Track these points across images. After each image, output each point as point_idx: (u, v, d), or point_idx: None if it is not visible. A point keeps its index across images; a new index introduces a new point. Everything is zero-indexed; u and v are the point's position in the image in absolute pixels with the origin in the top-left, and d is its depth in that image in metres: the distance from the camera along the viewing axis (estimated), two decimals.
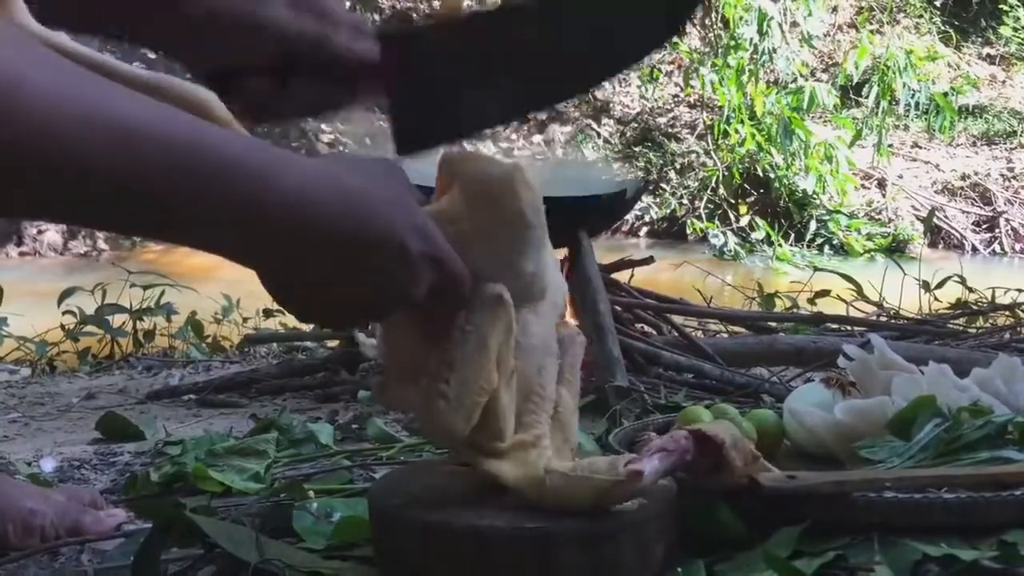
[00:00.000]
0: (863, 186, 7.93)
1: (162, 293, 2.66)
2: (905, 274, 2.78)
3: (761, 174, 7.53)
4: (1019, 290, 2.68)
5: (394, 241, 0.66)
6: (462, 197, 0.73)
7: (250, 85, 0.86)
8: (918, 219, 7.52)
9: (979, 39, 9.65)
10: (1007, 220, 7.68)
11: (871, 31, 8.55)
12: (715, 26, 8.28)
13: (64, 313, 2.51)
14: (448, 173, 0.75)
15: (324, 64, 0.87)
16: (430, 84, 0.89)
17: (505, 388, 0.74)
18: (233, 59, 0.85)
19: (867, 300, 2.63)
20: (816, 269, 3.21)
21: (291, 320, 2.87)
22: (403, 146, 0.93)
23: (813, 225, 7.37)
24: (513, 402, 0.75)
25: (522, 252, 0.74)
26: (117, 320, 2.55)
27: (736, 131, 7.52)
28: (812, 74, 8.55)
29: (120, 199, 0.57)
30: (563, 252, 1.76)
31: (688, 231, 7.47)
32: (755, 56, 7.46)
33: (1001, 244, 7.58)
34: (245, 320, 2.87)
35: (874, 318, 2.43)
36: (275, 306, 2.57)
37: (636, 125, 8.59)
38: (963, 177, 8.09)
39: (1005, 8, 9.37)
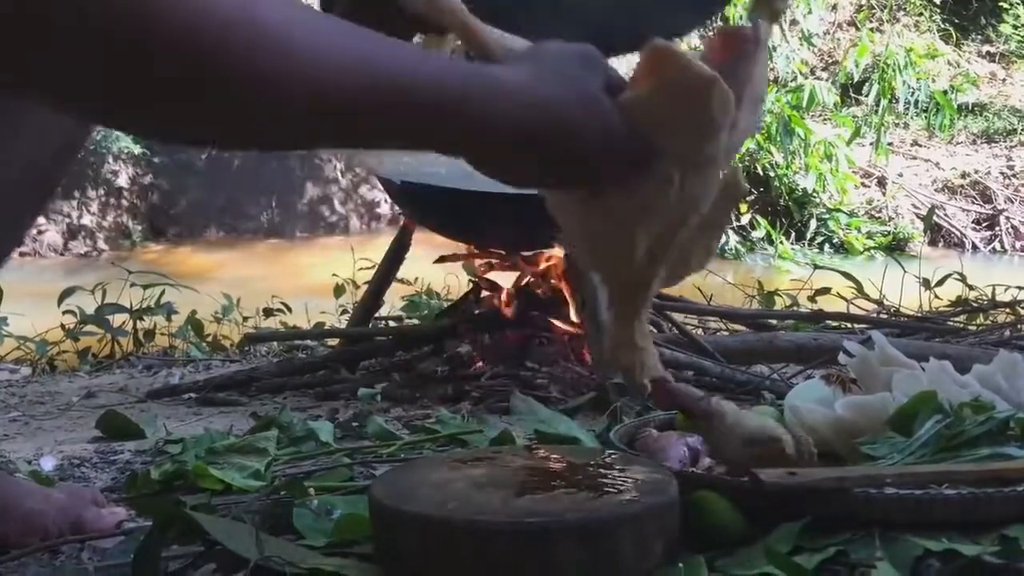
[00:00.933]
0: (863, 184, 7.93)
1: (162, 292, 2.66)
2: (905, 272, 2.78)
3: (761, 173, 7.53)
4: (1019, 287, 2.68)
5: (590, 165, 0.73)
6: (661, 91, 0.75)
7: None
8: (918, 217, 7.52)
9: (979, 37, 9.65)
10: (1007, 218, 7.68)
11: (871, 29, 8.56)
12: (715, 24, 8.27)
13: (64, 313, 2.51)
14: (651, 64, 0.76)
15: None
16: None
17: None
18: None
19: (867, 298, 2.63)
20: (816, 267, 3.21)
21: (291, 319, 2.88)
22: None
23: (813, 223, 7.37)
24: None
25: (707, 141, 0.77)
26: (117, 320, 2.55)
27: None
28: (812, 72, 8.55)
29: (361, 126, 0.65)
30: (561, 251, 1.76)
31: None
32: None
33: (1001, 242, 7.58)
34: (245, 319, 2.87)
35: (874, 316, 2.43)
36: (275, 305, 2.56)
37: None
38: (963, 175, 8.09)
39: (1005, 6, 9.37)
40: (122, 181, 7.57)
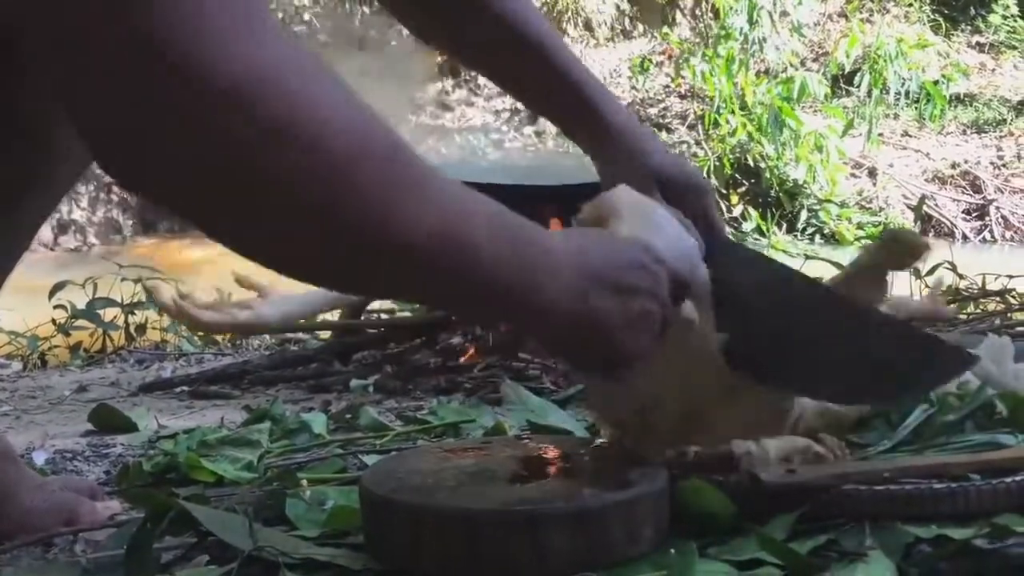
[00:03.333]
0: (854, 175, 7.94)
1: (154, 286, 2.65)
2: None
3: (752, 164, 7.53)
4: (1009, 276, 2.68)
5: (631, 358, 0.79)
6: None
7: None
8: (908, 208, 7.53)
9: (968, 27, 9.67)
10: (997, 208, 7.70)
11: (861, 20, 8.56)
12: (705, 16, 8.29)
13: (55, 307, 2.51)
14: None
15: None
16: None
17: None
18: None
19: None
20: (808, 258, 3.21)
21: None
22: None
23: (804, 214, 7.37)
24: None
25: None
26: (108, 314, 2.54)
27: (727, 121, 7.52)
28: (802, 64, 8.55)
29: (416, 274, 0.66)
30: None
31: None
32: (745, 46, 7.46)
33: (991, 232, 7.60)
34: None
35: None
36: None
37: None
38: (953, 165, 8.11)
39: None
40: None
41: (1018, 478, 0.81)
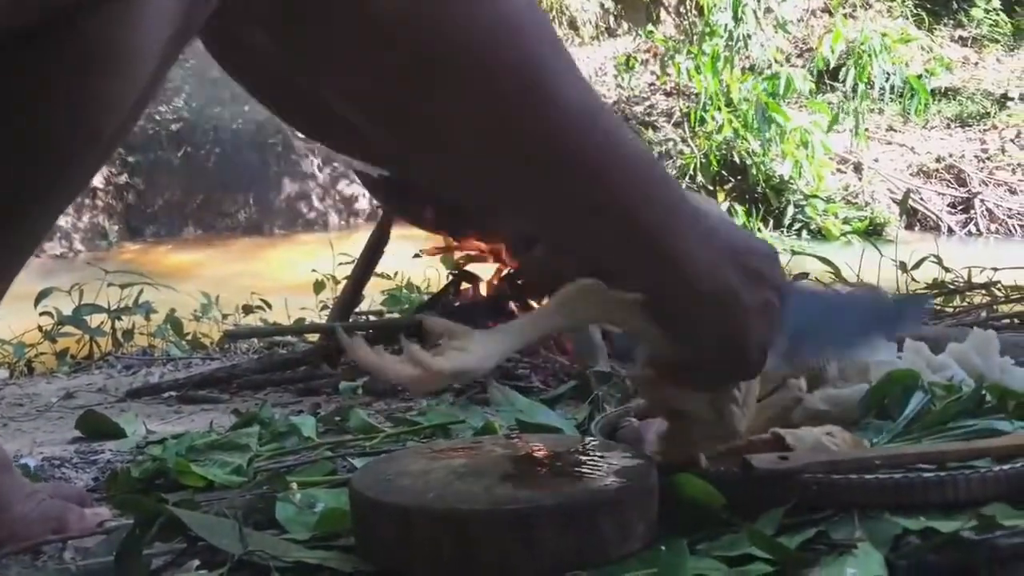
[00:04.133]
0: (839, 170, 7.97)
1: (140, 292, 2.65)
2: (882, 256, 2.80)
3: (738, 160, 7.55)
4: (994, 269, 2.70)
5: (749, 353, 0.77)
6: None
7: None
8: (894, 202, 7.57)
9: (951, 21, 9.71)
10: (982, 201, 7.74)
11: (845, 15, 8.59)
12: (690, 13, 8.30)
13: (41, 314, 2.49)
14: None
15: None
16: None
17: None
18: None
19: (845, 282, 2.65)
20: (795, 253, 3.23)
21: (271, 315, 2.87)
22: None
23: (791, 210, 7.40)
24: None
25: None
26: (95, 320, 2.53)
27: (713, 118, 7.54)
28: (787, 60, 8.58)
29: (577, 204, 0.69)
30: None
31: None
32: (730, 43, 7.48)
33: (976, 225, 7.64)
34: (225, 317, 2.86)
35: None
36: (254, 302, 2.54)
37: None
38: (938, 159, 8.15)
39: None
40: (97, 181, 7.50)
41: (1006, 467, 0.81)
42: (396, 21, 0.60)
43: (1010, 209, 7.68)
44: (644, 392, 0.93)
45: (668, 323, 0.76)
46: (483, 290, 1.82)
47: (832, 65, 8.06)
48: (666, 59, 7.83)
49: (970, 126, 8.59)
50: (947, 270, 2.79)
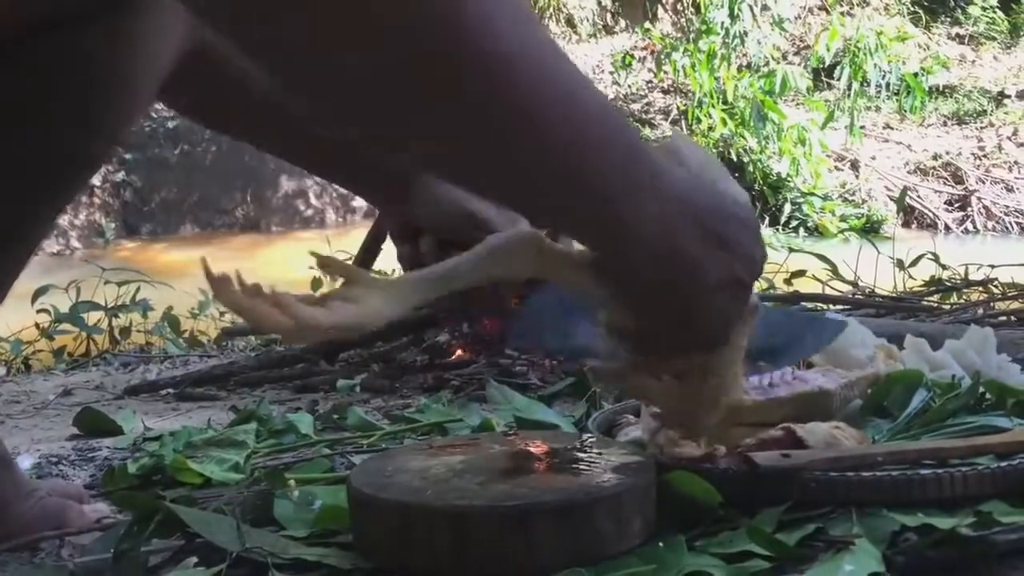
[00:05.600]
0: (836, 168, 7.98)
1: (137, 289, 2.64)
2: (879, 253, 2.80)
3: (735, 158, 7.56)
4: (991, 266, 2.70)
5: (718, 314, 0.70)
6: None
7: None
8: (891, 199, 7.57)
9: (948, 19, 9.73)
10: (979, 198, 7.75)
11: (841, 13, 8.59)
12: (687, 11, 8.30)
13: (38, 312, 2.49)
14: None
15: None
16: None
17: None
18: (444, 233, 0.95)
19: (843, 279, 2.65)
20: (792, 250, 3.23)
21: None
22: None
23: (788, 208, 7.41)
24: None
25: None
26: (92, 317, 2.53)
27: (709, 116, 7.54)
28: (784, 57, 8.59)
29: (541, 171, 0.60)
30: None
31: None
32: (727, 40, 7.48)
33: (973, 222, 7.65)
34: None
35: (850, 297, 2.45)
36: None
37: None
38: (935, 157, 8.16)
39: None
40: (94, 178, 7.50)
41: (1003, 463, 0.81)
42: None
43: (1007, 206, 7.70)
44: (605, 382, 0.90)
45: (615, 286, 0.69)
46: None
47: (829, 63, 8.07)
48: (663, 57, 7.83)
49: (967, 124, 8.60)
50: (944, 267, 2.80)
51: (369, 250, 1.97)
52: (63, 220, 7.25)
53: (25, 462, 1.22)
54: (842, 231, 7.18)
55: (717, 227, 0.68)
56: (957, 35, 9.64)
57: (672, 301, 0.69)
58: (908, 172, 8.08)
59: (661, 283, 0.67)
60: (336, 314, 0.62)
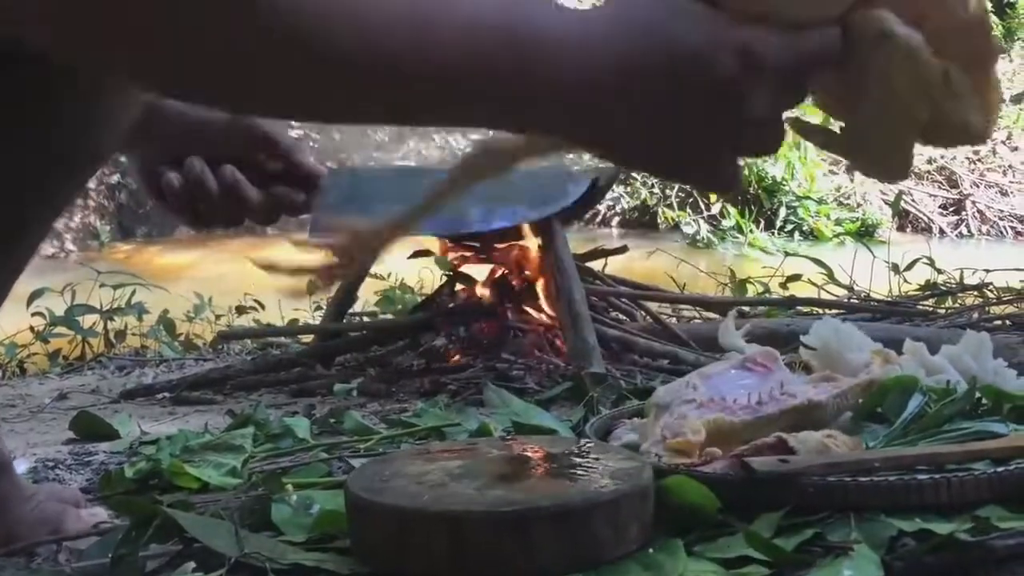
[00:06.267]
0: (831, 172, 7.99)
1: (133, 292, 2.64)
2: (875, 257, 2.81)
3: None
4: (986, 270, 2.71)
5: (703, 59, 0.62)
6: None
7: (228, 176, 0.97)
8: (886, 203, 7.58)
9: None
10: (973, 203, 7.76)
11: None
12: None
13: (33, 315, 2.48)
14: None
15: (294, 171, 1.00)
16: None
17: None
18: (210, 152, 0.96)
19: (838, 284, 2.66)
20: (787, 254, 3.23)
21: (264, 316, 2.86)
22: None
23: (783, 211, 7.41)
24: None
25: None
26: (87, 321, 2.52)
27: None
28: None
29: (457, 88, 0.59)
30: (536, 241, 1.76)
31: (659, 220, 7.50)
32: None
33: (968, 226, 7.66)
34: (218, 317, 2.85)
35: (846, 301, 2.45)
36: (248, 302, 2.55)
37: None
38: (929, 161, 8.16)
39: None
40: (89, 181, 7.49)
41: (1000, 469, 0.81)
42: None
43: (1001, 211, 7.71)
44: None
45: (582, 139, 0.64)
46: (478, 290, 1.83)
47: None
48: None
49: None
50: (939, 272, 2.80)
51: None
52: (58, 223, 7.24)
53: (21, 466, 1.22)
54: (837, 235, 7.19)
55: (640, 41, 0.63)
56: None
57: (649, 132, 0.63)
58: None
59: (621, 108, 0.61)
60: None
